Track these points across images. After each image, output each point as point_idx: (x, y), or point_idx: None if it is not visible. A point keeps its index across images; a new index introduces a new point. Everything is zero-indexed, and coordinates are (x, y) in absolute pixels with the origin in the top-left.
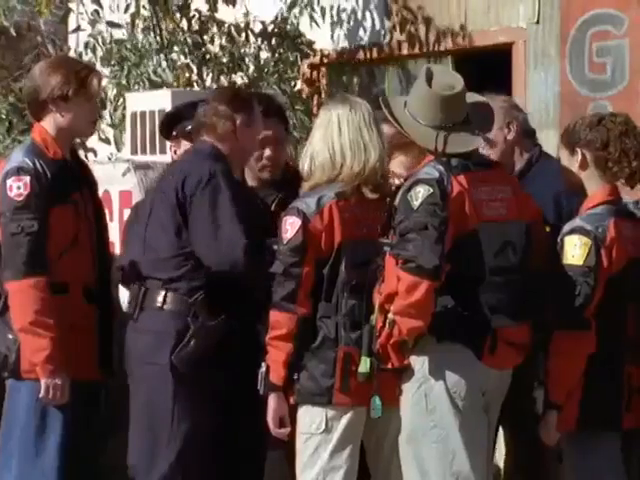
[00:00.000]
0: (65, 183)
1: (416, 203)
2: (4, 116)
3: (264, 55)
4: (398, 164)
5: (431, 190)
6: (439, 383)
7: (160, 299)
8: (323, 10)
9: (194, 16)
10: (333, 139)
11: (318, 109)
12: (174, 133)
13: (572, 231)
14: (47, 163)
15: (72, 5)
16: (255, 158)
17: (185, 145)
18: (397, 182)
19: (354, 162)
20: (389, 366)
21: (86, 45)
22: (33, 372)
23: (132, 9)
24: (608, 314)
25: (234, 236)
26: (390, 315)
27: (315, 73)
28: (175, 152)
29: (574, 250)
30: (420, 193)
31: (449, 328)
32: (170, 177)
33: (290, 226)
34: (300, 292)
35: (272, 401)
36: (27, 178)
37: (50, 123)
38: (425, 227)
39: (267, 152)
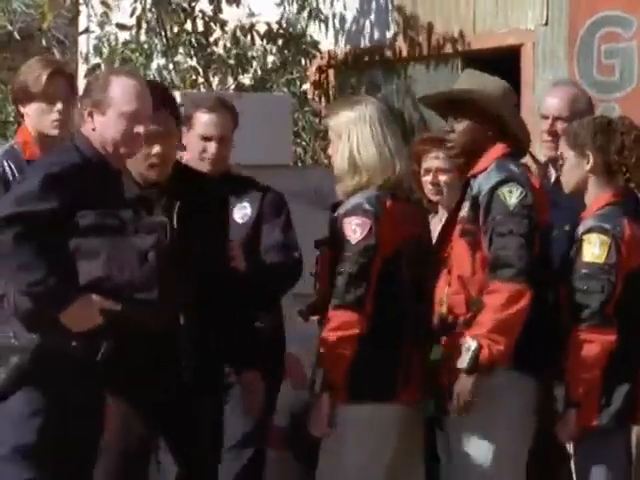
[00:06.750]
0: None
1: (511, 203)
2: (13, 118)
3: (270, 57)
4: (442, 160)
5: (524, 191)
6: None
7: None
8: (331, 13)
9: (197, 16)
10: (382, 141)
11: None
12: None
13: (590, 230)
14: (19, 165)
15: (81, 7)
16: (143, 156)
17: None
18: (444, 178)
19: (402, 166)
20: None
21: (95, 47)
22: None
23: (138, 12)
24: (625, 312)
25: None
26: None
27: (323, 75)
28: None
29: (594, 248)
30: (513, 193)
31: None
32: None
33: (358, 227)
34: (369, 292)
35: (324, 401)
36: None
37: (27, 124)
38: (525, 231)
39: (156, 149)
